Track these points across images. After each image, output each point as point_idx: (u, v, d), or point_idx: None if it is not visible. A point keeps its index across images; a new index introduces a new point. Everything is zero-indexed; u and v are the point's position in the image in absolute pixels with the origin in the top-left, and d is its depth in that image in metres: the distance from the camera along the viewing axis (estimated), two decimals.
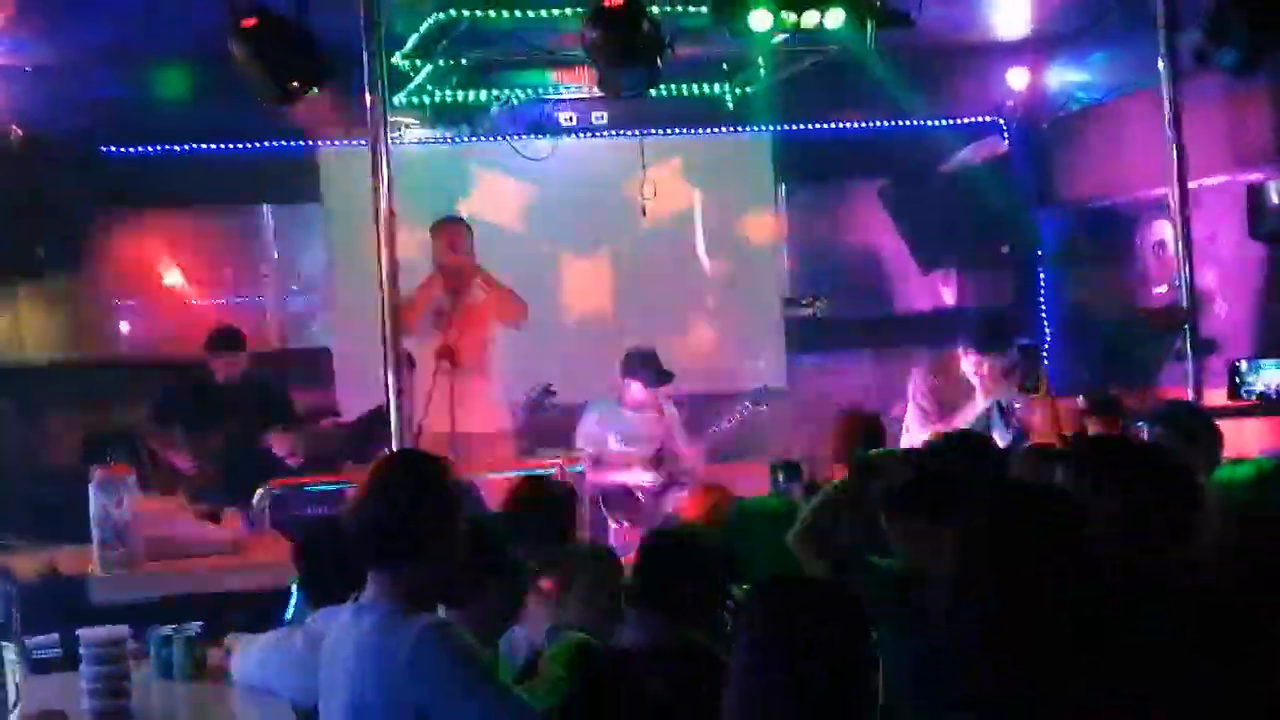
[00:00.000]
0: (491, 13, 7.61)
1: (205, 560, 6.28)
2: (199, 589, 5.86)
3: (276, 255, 10.79)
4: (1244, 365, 6.42)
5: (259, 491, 7.41)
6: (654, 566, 4.37)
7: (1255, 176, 9.19)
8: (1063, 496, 3.34)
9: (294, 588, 4.91)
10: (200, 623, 4.96)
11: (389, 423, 6.54)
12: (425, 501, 3.66)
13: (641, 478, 9.08)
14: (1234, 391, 6.58)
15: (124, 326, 10.63)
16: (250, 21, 5.95)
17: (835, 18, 6.97)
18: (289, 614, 4.93)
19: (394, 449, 6.81)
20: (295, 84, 6.08)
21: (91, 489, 5.93)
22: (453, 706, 3.53)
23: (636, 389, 9.10)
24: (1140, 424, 7.73)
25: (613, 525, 9.01)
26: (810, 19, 6.90)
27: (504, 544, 4.24)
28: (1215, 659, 3.21)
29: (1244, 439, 6.63)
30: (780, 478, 6.72)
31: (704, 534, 5.14)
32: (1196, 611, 3.30)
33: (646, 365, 9.10)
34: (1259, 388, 6.40)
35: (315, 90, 6.17)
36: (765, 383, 9.87)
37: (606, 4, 6.36)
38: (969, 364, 7.83)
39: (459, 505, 3.74)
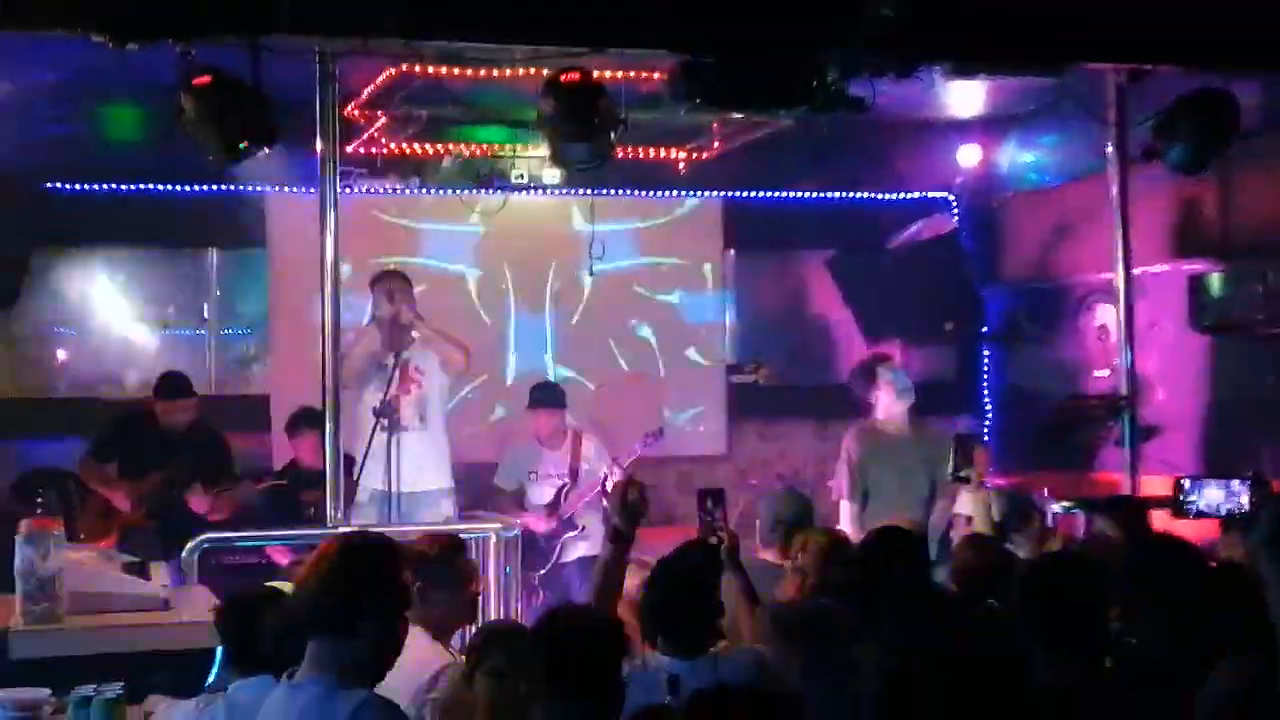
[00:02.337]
0: (445, 70, 7.57)
1: (130, 616, 6.15)
2: (123, 646, 5.74)
3: (218, 298, 10.69)
4: (1187, 484, 6.67)
5: (189, 544, 7.28)
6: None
7: (1199, 267, 9.28)
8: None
9: (219, 649, 4.82)
10: (121, 683, 4.86)
11: (309, 481, 6.44)
12: (376, 584, 3.67)
13: (537, 524, 8.99)
14: (1177, 509, 6.80)
15: (60, 361, 10.50)
16: (203, 80, 5.87)
17: None
18: (211, 677, 4.84)
19: (330, 506, 6.79)
20: (244, 144, 6.00)
21: (18, 541, 5.80)
22: None
23: (534, 419, 9.12)
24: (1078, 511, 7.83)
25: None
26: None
27: None
28: None
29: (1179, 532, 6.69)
30: None
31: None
32: None
33: (534, 391, 9.13)
34: (1200, 506, 6.59)
35: (264, 150, 6.09)
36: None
37: (563, 77, 6.29)
38: None
39: (406, 589, 3.77)
